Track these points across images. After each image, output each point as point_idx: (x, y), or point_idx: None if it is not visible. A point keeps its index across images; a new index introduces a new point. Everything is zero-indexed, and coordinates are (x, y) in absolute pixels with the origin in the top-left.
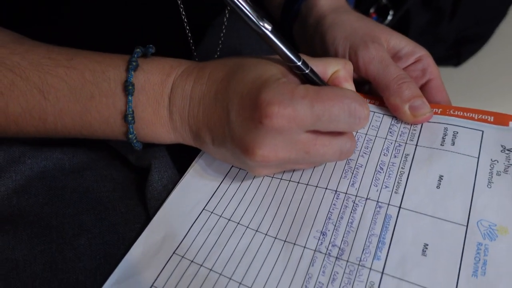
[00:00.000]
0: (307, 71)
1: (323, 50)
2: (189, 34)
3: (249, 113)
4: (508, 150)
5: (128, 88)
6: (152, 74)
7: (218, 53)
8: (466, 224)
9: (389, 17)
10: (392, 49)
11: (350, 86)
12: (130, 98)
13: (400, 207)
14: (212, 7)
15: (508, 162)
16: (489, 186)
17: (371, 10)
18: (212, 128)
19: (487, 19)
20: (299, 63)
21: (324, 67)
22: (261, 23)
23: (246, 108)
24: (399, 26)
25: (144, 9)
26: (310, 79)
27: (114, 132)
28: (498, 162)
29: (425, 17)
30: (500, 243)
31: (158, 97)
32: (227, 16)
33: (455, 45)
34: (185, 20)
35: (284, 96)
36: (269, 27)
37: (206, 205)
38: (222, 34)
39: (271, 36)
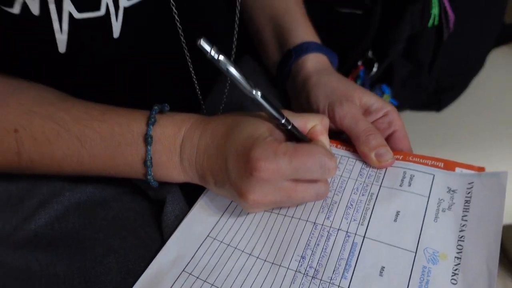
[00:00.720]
0: (289, 127)
1: (308, 105)
2: (199, 92)
3: (242, 165)
4: (452, 191)
5: (147, 140)
6: (167, 128)
7: (223, 105)
8: (415, 251)
9: (375, 69)
10: (364, 105)
11: (325, 138)
12: (149, 147)
13: (364, 236)
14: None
15: (452, 201)
16: (435, 220)
17: (359, 63)
18: (214, 174)
19: (464, 70)
20: (283, 121)
21: (304, 122)
22: (253, 91)
23: (240, 161)
24: (384, 77)
25: (158, 68)
26: (292, 133)
27: (136, 173)
28: (444, 201)
29: (406, 68)
30: (440, 267)
31: (171, 147)
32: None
33: (435, 93)
34: (194, 76)
35: (269, 154)
36: (259, 94)
37: (209, 232)
38: (226, 90)
39: (260, 100)
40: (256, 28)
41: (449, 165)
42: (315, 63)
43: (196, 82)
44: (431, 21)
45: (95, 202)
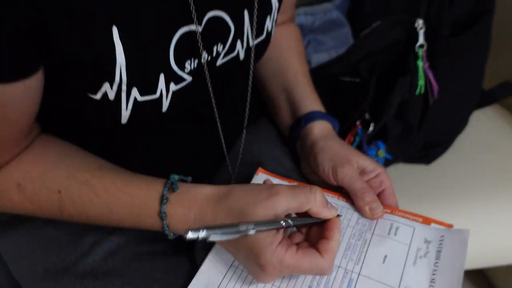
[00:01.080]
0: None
1: (315, 166)
2: (224, 147)
3: (253, 264)
4: (428, 241)
5: (162, 216)
6: (177, 208)
7: (239, 161)
8: (398, 287)
9: (371, 128)
10: (360, 167)
11: (324, 212)
12: (164, 222)
13: (359, 274)
14: (240, 122)
15: (427, 250)
16: (414, 264)
17: (357, 122)
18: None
19: (449, 129)
20: (284, 226)
21: (300, 207)
22: (246, 230)
23: (251, 261)
24: (379, 135)
25: (192, 129)
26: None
27: (158, 230)
28: (421, 249)
29: (398, 128)
30: None
31: (184, 223)
32: (245, 132)
33: (424, 149)
34: (222, 135)
35: (274, 263)
36: (253, 231)
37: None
38: (241, 149)
39: (257, 230)
40: (271, 97)
41: (426, 221)
42: (321, 129)
43: (223, 139)
44: (418, 90)
45: (140, 240)
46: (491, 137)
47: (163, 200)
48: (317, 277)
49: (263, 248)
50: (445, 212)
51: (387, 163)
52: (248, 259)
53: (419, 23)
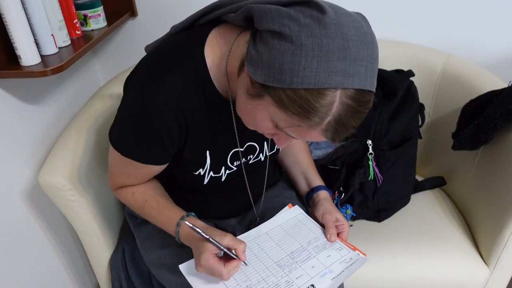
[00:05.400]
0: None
1: (317, 212)
2: (252, 201)
3: (198, 257)
4: (350, 257)
5: (176, 232)
6: (182, 229)
7: (260, 211)
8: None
9: (343, 196)
10: (335, 217)
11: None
12: (176, 236)
13: (315, 256)
14: (260, 189)
15: (349, 260)
16: (340, 263)
17: (337, 192)
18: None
19: (393, 202)
20: (220, 247)
21: (227, 243)
22: (209, 237)
23: (198, 255)
24: (349, 200)
25: (232, 187)
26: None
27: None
28: (346, 259)
29: (359, 197)
30: (327, 276)
31: (183, 239)
32: (264, 192)
33: (377, 212)
34: (250, 194)
35: (205, 260)
36: (208, 236)
37: None
38: (261, 203)
39: (211, 240)
40: (293, 176)
41: (355, 248)
42: (323, 195)
43: (251, 196)
44: (369, 177)
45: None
46: (420, 210)
47: (178, 225)
48: (297, 249)
49: (205, 251)
50: (375, 248)
51: (353, 219)
52: (198, 255)
53: (369, 142)
